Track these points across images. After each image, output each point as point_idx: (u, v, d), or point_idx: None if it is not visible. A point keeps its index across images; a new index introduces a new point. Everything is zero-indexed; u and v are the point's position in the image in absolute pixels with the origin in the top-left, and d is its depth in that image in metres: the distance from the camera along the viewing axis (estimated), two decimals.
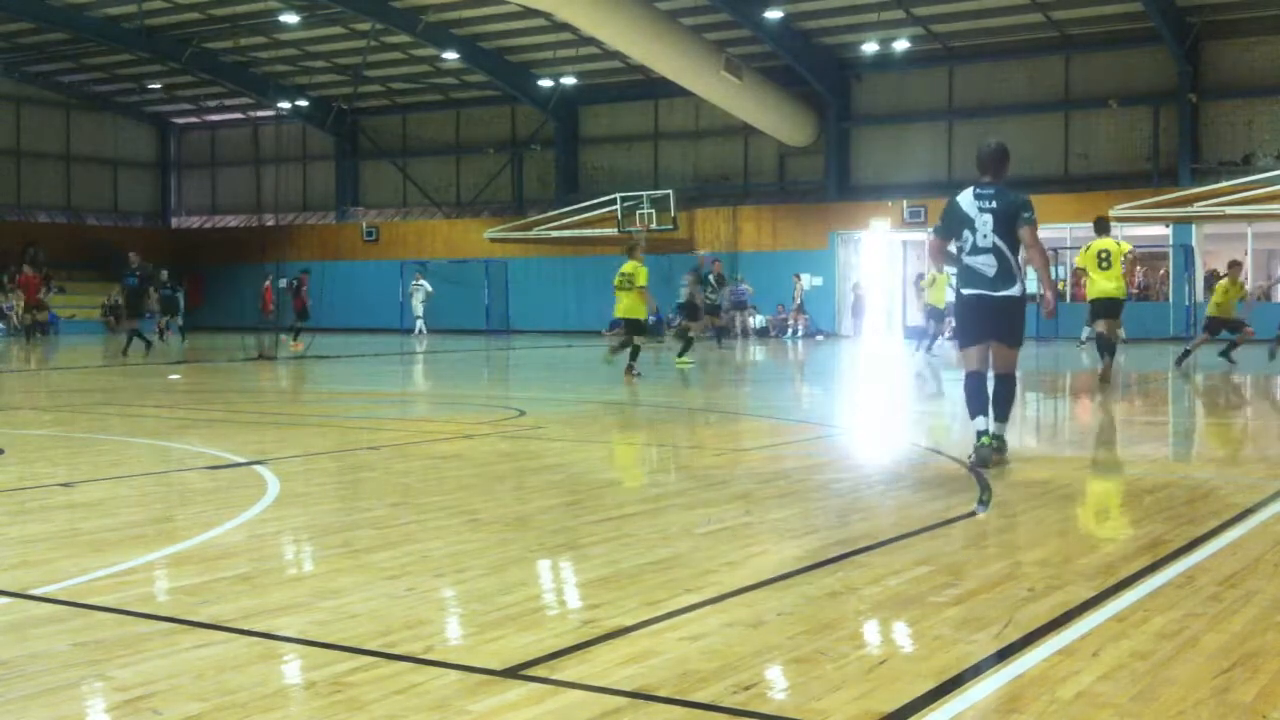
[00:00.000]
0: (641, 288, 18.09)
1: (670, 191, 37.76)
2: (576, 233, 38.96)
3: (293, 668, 3.90)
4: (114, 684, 3.63)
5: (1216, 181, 31.59)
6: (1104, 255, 15.71)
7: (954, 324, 10.27)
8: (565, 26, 33.75)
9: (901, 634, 4.27)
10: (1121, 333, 16.81)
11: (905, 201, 35.15)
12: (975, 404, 8.49)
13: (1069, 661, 3.86)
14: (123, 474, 8.13)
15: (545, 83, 39.19)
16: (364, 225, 43.77)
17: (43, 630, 4.24)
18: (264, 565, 5.35)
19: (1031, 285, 9.22)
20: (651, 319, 20.76)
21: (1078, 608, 4.51)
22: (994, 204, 8.28)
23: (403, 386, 19.04)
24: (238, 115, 47.44)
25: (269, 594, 4.76)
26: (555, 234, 39.27)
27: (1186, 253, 31.47)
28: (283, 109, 43.97)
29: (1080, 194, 32.62)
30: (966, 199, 8.41)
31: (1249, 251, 32.96)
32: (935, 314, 24.51)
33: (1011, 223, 8.26)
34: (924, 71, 35.79)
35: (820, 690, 3.59)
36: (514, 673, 3.73)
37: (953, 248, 8.50)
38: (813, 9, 33.46)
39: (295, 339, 28.18)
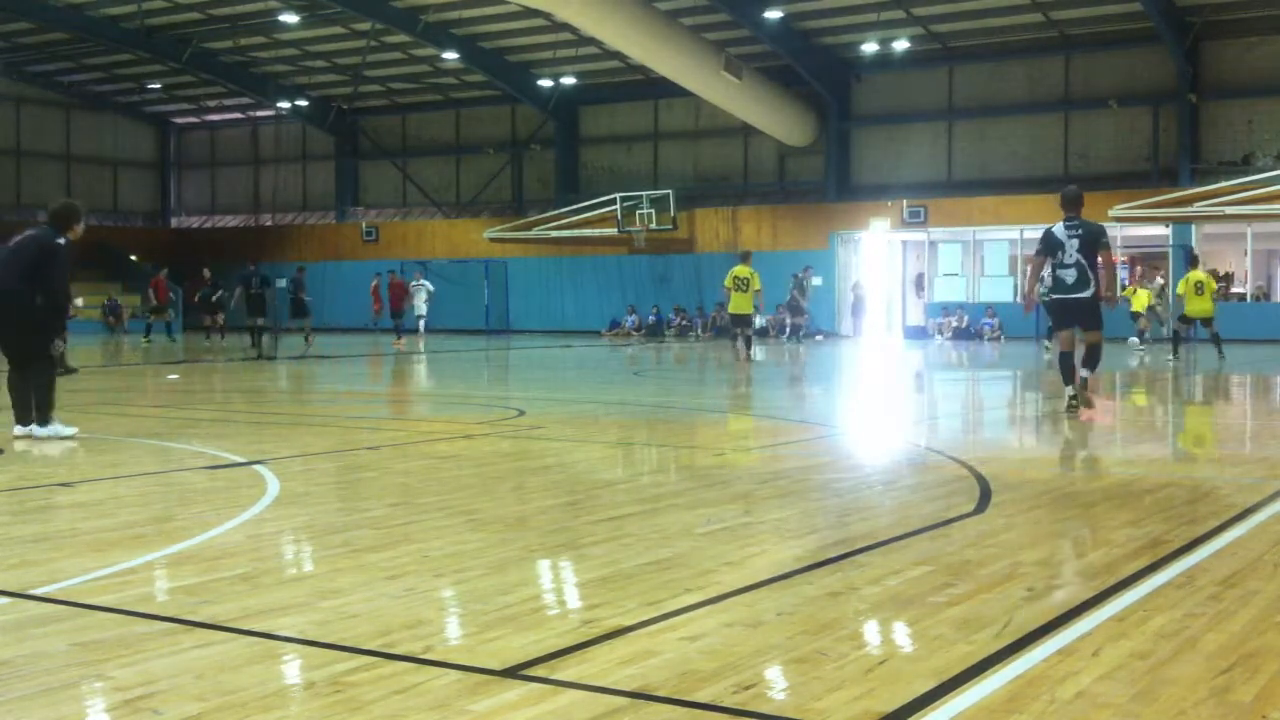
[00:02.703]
0: (757, 290, 22.10)
1: (670, 191, 37.75)
2: (576, 233, 38.95)
3: (292, 668, 3.90)
4: (114, 684, 3.63)
5: (1216, 181, 31.57)
6: (1200, 284, 22.40)
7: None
8: (565, 26, 33.77)
9: (901, 634, 4.27)
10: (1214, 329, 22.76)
11: (905, 202, 35.14)
12: (1065, 375, 11.80)
13: (1069, 661, 3.86)
14: (123, 474, 8.13)
15: (545, 82, 39.19)
16: (364, 225, 43.78)
17: (42, 630, 4.24)
18: (264, 565, 5.35)
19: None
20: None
21: (1077, 608, 4.51)
22: (1080, 231, 11.55)
23: (403, 386, 19.05)
24: (237, 115, 47.46)
25: (269, 594, 4.76)
26: (555, 234, 39.27)
27: (1186, 253, 31.45)
28: (282, 109, 43.97)
29: None
30: (1059, 229, 11.62)
31: (1249, 252, 32.96)
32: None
33: (1094, 245, 11.52)
34: (924, 72, 35.77)
35: (820, 690, 3.59)
36: (513, 673, 3.73)
37: (1046, 269, 11.82)
38: (812, 9, 33.46)
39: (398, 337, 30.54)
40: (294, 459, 8.89)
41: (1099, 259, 11.49)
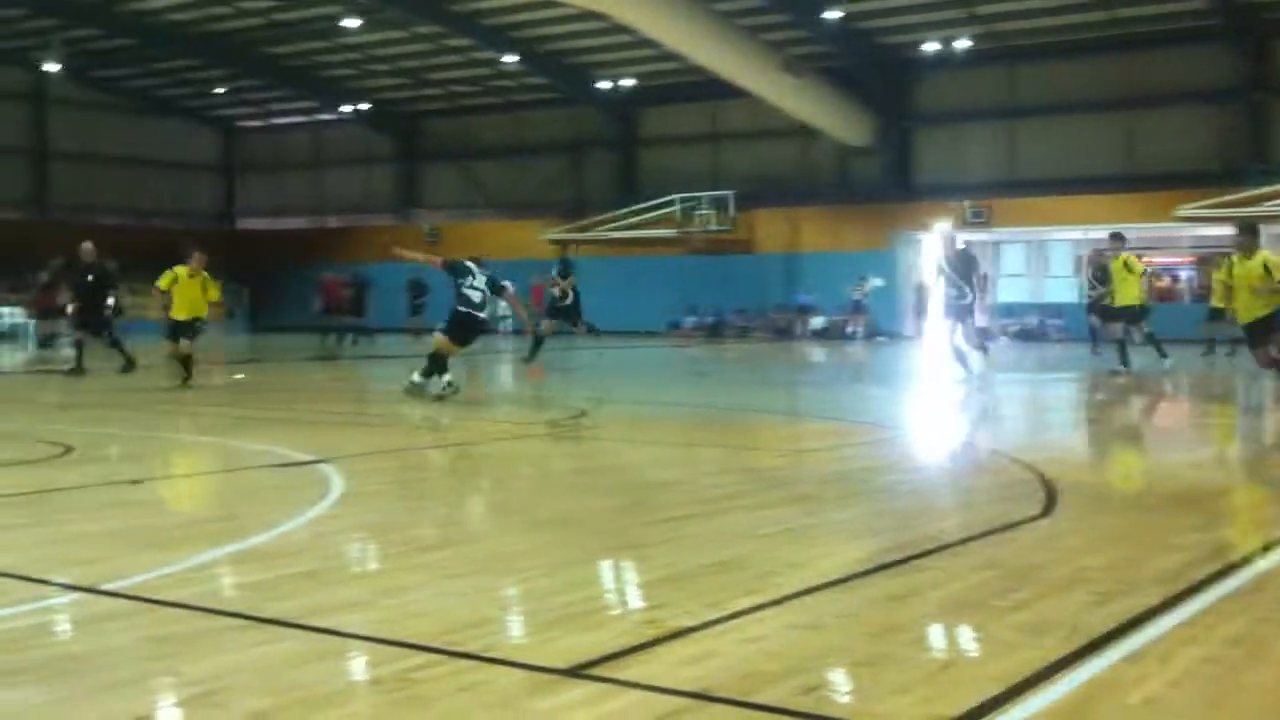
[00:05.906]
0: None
1: (730, 192, 37.63)
2: (635, 234, 38.90)
3: (358, 664, 3.93)
4: (182, 679, 3.68)
5: None
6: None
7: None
8: (623, 28, 33.77)
9: (966, 638, 4.23)
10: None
11: (967, 202, 34.82)
12: (440, 368, 13.41)
13: (1137, 667, 3.81)
14: (189, 472, 8.25)
15: (604, 84, 39.26)
16: (427, 226, 44.06)
17: (113, 625, 4.31)
18: (329, 563, 5.40)
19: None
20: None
21: (1145, 613, 4.44)
22: (481, 264, 14.00)
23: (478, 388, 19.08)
24: (300, 118, 47.96)
25: (334, 591, 4.80)
26: (613, 235, 39.26)
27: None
28: (345, 112, 44.41)
29: (1144, 193, 32.09)
30: (468, 262, 13.84)
31: None
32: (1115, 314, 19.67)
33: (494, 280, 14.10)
34: (984, 70, 35.41)
35: (884, 693, 3.57)
36: (576, 672, 3.74)
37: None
38: (872, 9, 33.24)
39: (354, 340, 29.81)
40: (358, 457, 8.91)
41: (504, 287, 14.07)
